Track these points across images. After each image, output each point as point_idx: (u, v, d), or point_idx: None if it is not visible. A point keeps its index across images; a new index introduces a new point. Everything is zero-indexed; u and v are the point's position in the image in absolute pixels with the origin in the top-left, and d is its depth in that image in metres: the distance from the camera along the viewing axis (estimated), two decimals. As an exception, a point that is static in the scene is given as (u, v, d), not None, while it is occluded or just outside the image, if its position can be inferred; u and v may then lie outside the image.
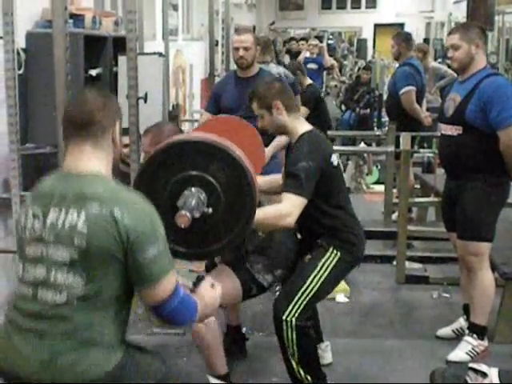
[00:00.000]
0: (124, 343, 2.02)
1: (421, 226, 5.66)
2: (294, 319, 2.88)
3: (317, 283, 2.92)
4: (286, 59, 11.17)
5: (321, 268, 2.93)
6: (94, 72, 4.85)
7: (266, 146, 3.68)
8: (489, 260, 3.56)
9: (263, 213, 2.65)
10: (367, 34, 18.89)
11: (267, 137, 3.45)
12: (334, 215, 2.97)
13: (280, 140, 3.83)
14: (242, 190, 2.42)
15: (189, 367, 3.39)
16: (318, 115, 6.22)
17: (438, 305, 4.36)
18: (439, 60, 10.04)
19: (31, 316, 1.96)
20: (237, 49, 4.15)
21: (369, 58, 15.21)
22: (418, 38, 13.18)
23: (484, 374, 3.10)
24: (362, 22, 18.81)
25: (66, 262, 1.92)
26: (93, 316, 1.93)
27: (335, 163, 2.95)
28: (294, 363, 2.93)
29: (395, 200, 5.66)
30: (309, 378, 2.94)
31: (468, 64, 3.44)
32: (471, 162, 3.43)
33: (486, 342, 3.58)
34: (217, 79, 6.06)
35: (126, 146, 3.48)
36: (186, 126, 7.77)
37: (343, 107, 9.45)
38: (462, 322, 3.78)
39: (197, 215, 2.35)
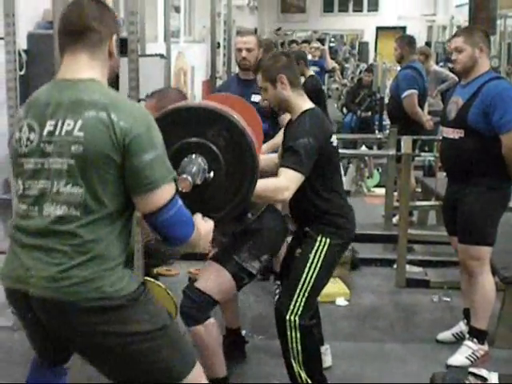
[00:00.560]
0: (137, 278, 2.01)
1: (421, 230, 5.65)
2: (297, 318, 2.88)
3: (312, 276, 2.90)
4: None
5: (313, 260, 2.91)
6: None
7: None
8: (489, 264, 3.56)
9: (261, 184, 2.58)
10: (369, 36, 18.92)
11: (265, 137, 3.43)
12: (328, 198, 2.94)
13: (276, 140, 3.81)
14: (243, 154, 2.37)
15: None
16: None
17: (439, 309, 4.35)
18: (441, 64, 10.04)
19: (36, 233, 1.94)
20: (240, 50, 4.14)
21: (370, 61, 15.22)
22: (419, 42, 13.14)
23: (484, 379, 3.10)
24: (363, 24, 18.85)
25: (64, 170, 1.90)
26: (100, 232, 1.91)
27: (335, 144, 2.94)
28: (295, 366, 2.92)
29: (396, 203, 5.65)
30: (309, 381, 2.93)
31: (471, 67, 3.44)
32: (473, 165, 3.42)
33: (486, 347, 3.57)
34: (218, 81, 6.06)
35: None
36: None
37: (344, 110, 9.46)
38: (462, 327, 3.78)
39: (198, 181, 2.30)
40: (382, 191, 6.84)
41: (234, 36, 6.76)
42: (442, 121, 3.74)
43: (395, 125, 5.96)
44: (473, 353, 3.53)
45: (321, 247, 2.93)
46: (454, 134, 3.47)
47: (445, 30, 14.66)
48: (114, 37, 2.05)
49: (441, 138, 3.74)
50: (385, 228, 5.86)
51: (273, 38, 14.03)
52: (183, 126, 2.38)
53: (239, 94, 4.12)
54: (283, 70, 2.92)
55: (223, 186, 2.38)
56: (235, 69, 4.78)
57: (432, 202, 5.83)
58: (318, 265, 2.91)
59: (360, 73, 10.81)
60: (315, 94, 6.37)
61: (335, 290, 4.37)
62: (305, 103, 2.98)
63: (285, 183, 2.73)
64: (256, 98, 3.85)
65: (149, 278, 2.95)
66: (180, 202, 1.99)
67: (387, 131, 6.82)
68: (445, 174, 3.81)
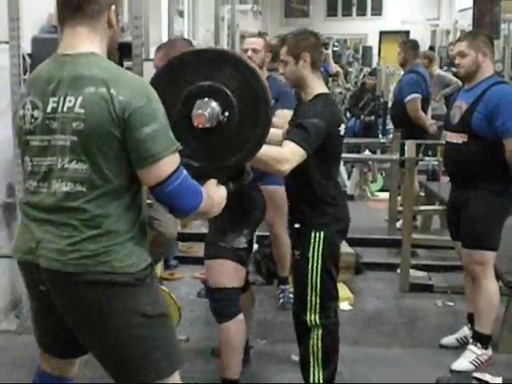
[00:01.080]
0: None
1: (425, 234, 5.65)
2: (317, 317, 2.90)
3: (317, 274, 2.90)
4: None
5: (313, 259, 2.89)
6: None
7: None
8: (493, 269, 3.55)
9: (265, 148, 2.49)
10: (372, 41, 18.90)
11: None
12: (325, 184, 2.91)
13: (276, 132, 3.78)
14: (255, 94, 2.33)
15: (191, 373, 3.37)
16: None
17: (442, 313, 4.35)
18: (445, 68, 10.03)
19: (47, 208, 1.96)
20: (246, 50, 4.12)
21: (374, 65, 15.20)
22: (423, 46, 13.14)
23: (488, 384, 3.10)
24: (367, 29, 18.85)
25: (67, 147, 1.91)
26: (107, 207, 1.92)
27: (342, 133, 2.93)
28: (312, 362, 2.93)
29: (400, 208, 5.65)
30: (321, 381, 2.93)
31: (474, 72, 3.44)
32: (476, 170, 3.42)
33: (490, 352, 3.56)
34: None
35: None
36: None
37: (348, 114, 9.43)
38: (466, 331, 3.77)
39: (212, 124, 2.26)
40: (385, 195, 6.84)
41: (238, 40, 6.77)
42: (445, 125, 3.74)
43: (399, 129, 5.97)
44: (477, 357, 3.52)
45: (317, 244, 2.90)
46: (458, 138, 3.47)
47: (448, 35, 14.66)
48: (113, 8, 2.05)
49: (444, 142, 3.74)
50: (388, 232, 5.86)
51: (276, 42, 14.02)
52: (194, 69, 2.33)
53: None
54: (309, 49, 2.90)
55: (236, 131, 2.32)
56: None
57: (436, 207, 5.82)
58: (320, 262, 2.89)
59: (363, 77, 10.78)
60: None
61: (339, 295, 4.35)
62: (321, 87, 2.96)
63: (287, 155, 2.69)
64: None
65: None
66: (185, 172, 1.98)
67: (391, 135, 6.82)
68: (448, 178, 3.80)
